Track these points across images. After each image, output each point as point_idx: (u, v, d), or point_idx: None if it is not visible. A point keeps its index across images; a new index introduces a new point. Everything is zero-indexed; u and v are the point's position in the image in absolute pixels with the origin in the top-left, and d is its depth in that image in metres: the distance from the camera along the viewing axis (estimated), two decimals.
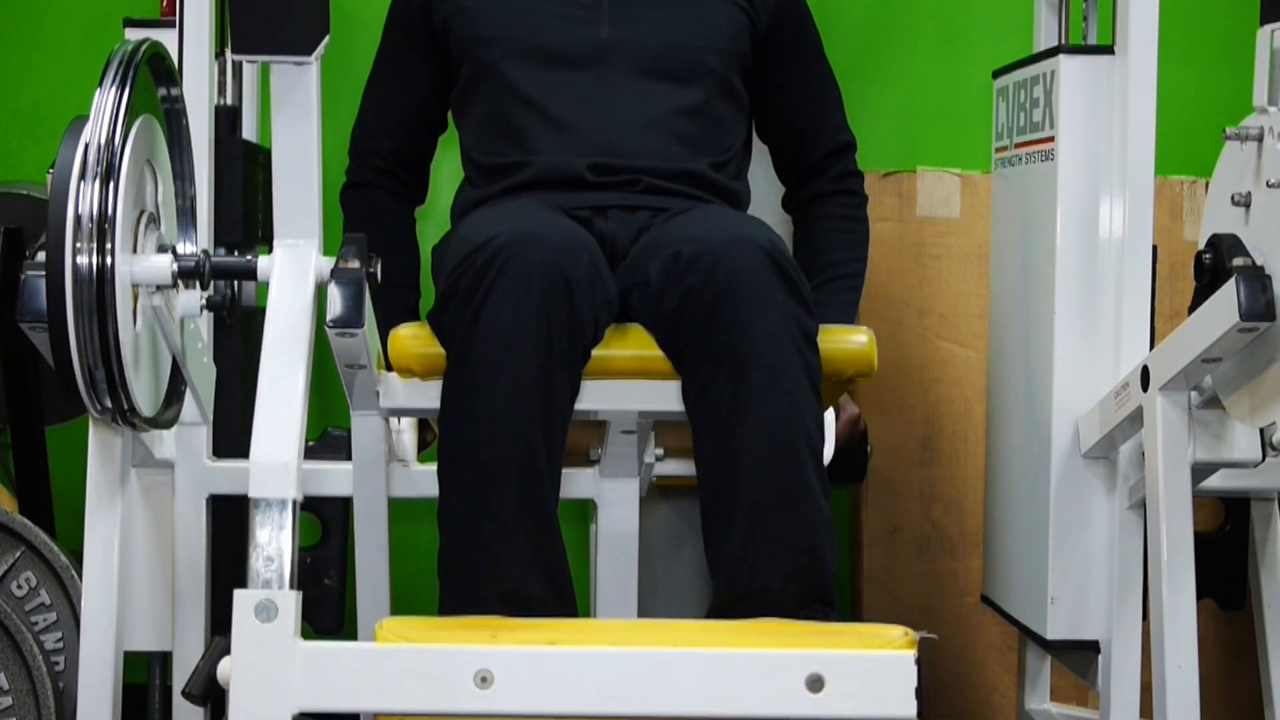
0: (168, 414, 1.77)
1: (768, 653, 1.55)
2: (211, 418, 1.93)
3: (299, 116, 1.68)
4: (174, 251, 1.68)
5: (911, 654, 1.55)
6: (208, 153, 2.02)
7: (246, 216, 2.26)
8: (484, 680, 1.50)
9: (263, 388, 1.61)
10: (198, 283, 1.70)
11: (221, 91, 2.33)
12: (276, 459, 1.56)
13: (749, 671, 1.53)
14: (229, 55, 2.29)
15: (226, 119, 2.26)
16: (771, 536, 1.82)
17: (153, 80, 1.69)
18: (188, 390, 1.80)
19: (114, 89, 1.57)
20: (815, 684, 1.52)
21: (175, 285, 1.66)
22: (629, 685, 1.52)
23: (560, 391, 1.83)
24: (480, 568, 1.81)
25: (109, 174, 1.54)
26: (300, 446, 1.58)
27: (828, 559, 1.84)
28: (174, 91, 1.74)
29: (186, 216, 1.80)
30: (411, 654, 1.53)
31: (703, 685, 1.53)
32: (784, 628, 1.72)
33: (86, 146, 1.55)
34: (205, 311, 1.75)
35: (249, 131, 2.44)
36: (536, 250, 1.83)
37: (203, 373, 1.83)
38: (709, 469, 1.85)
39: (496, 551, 1.81)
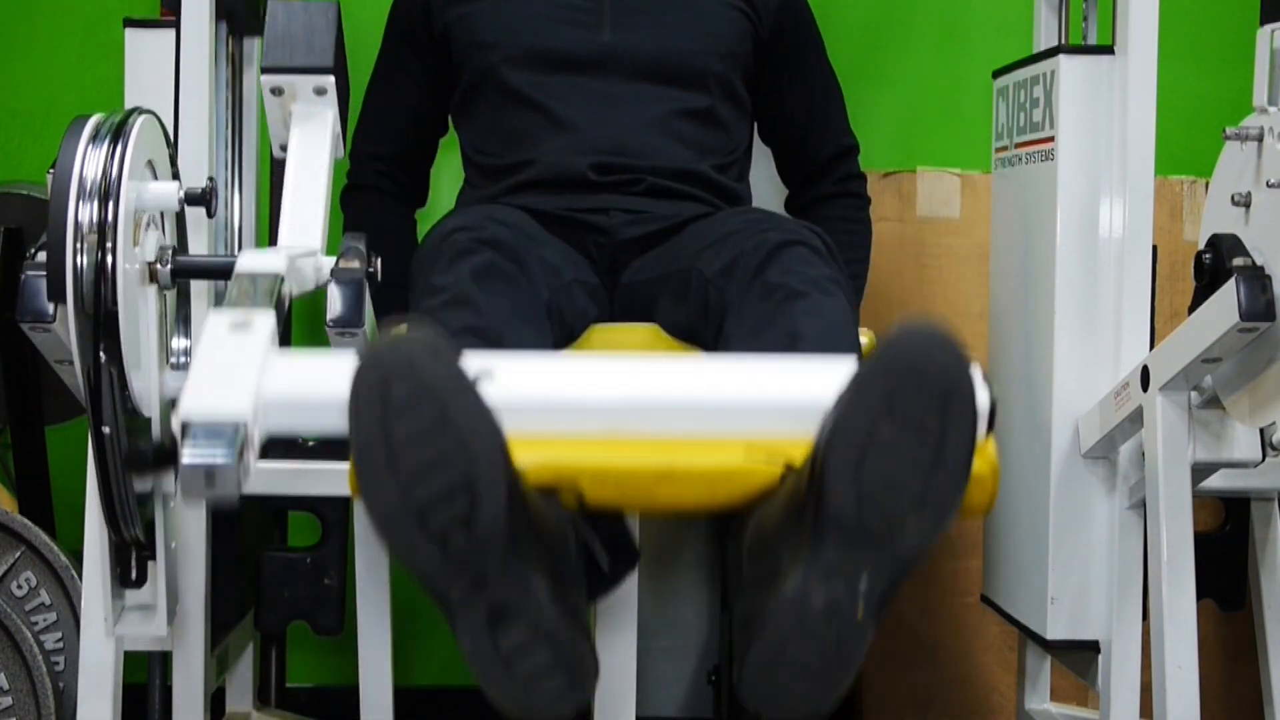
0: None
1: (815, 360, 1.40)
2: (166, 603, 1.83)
3: (315, 136, 1.69)
4: (174, 253, 1.68)
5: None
6: (208, 157, 2.02)
7: None
8: (487, 374, 1.34)
9: (288, 189, 1.62)
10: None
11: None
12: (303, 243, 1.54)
13: (794, 370, 1.38)
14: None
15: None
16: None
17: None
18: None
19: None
20: None
21: (173, 263, 1.64)
22: (642, 374, 1.37)
23: (526, 330, 1.78)
24: None
25: (109, 174, 1.53)
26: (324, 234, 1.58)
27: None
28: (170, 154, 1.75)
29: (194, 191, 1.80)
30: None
31: (723, 375, 1.37)
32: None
33: (87, 146, 1.55)
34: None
35: (250, 140, 2.43)
36: (464, 224, 1.84)
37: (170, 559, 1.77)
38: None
39: None
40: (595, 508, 1.42)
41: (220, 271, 1.74)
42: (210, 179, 1.71)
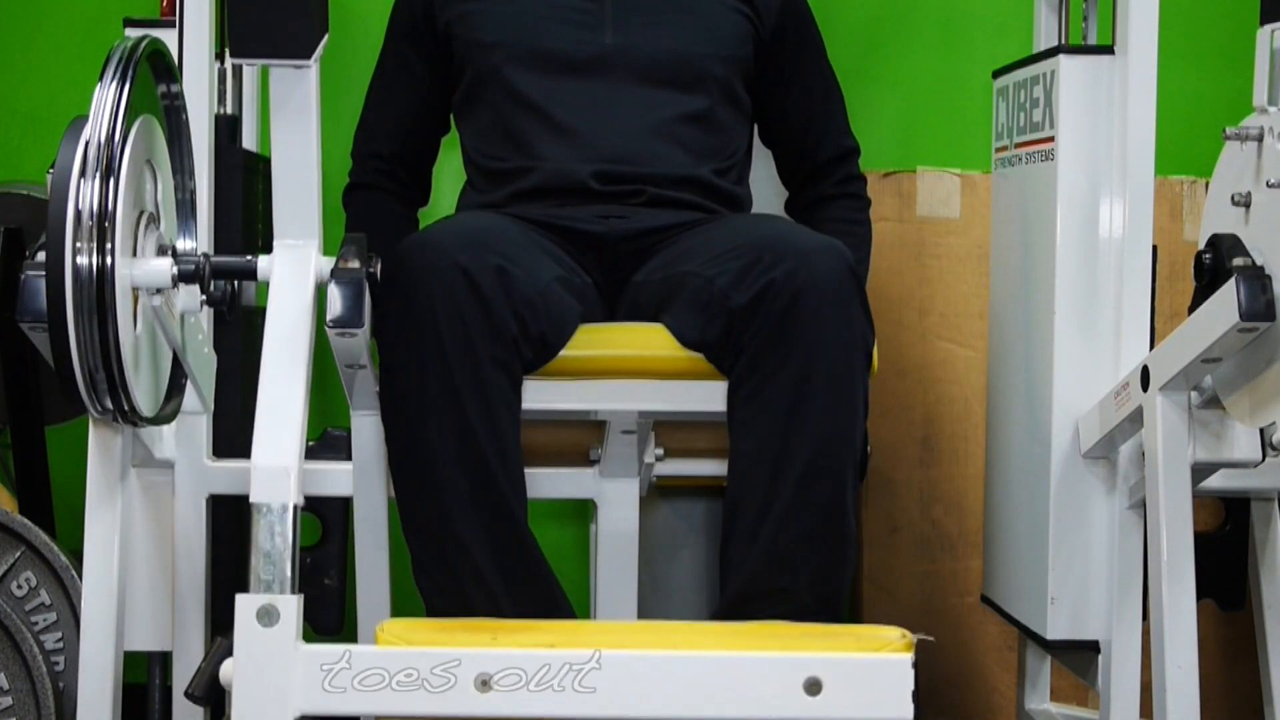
0: (168, 408, 1.77)
1: (766, 656, 1.57)
2: (213, 408, 1.94)
3: (299, 119, 1.69)
4: (174, 252, 1.68)
5: (909, 657, 1.57)
6: (208, 158, 2.02)
7: (246, 225, 2.26)
8: (484, 684, 1.53)
9: (263, 390, 1.62)
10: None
11: (221, 100, 2.33)
12: (277, 463, 1.57)
13: (748, 675, 1.56)
14: (229, 61, 2.29)
15: (226, 128, 2.27)
16: (802, 547, 1.84)
17: (153, 77, 1.69)
18: (187, 383, 1.81)
19: (114, 85, 1.58)
20: (813, 688, 1.55)
21: (175, 287, 1.66)
22: (627, 688, 1.55)
23: (492, 388, 1.83)
24: (457, 581, 1.84)
25: (109, 174, 1.53)
26: (301, 450, 1.60)
27: (845, 579, 1.88)
28: (174, 88, 1.74)
29: (186, 210, 1.80)
30: (411, 657, 1.55)
31: (702, 689, 1.55)
32: (785, 630, 1.73)
33: (86, 146, 1.55)
34: (205, 308, 1.75)
35: (249, 139, 2.44)
36: (428, 254, 1.84)
37: (204, 364, 1.84)
38: (750, 464, 1.85)
39: (465, 576, 1.84)
40: None
41: (220, 271, 1.74)
42: (205, 255, 1.71)
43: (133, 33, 2.01)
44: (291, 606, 1.54)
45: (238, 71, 2.41)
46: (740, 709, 1.55)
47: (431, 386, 1.81)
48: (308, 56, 1.64)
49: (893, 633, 1.64)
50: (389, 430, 1.87)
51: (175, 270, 1.64)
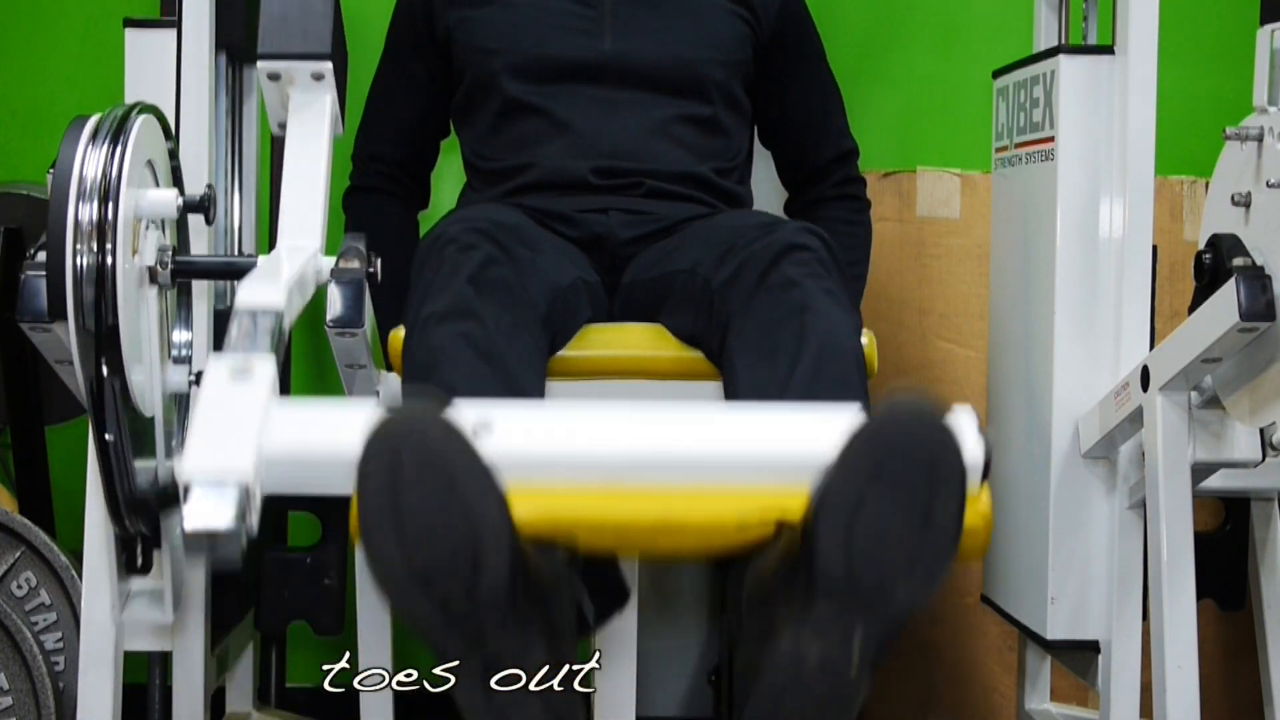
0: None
1: (812, 410, 1.40)
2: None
3: (313, 126, 1.69)
4: (174, 253, 1.68)
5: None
6: (207, 157, 2.02)
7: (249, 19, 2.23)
8: (483, 427, 1.33)
9: (285, 190, 1.61)
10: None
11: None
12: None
13: (795, 420, 1.37)
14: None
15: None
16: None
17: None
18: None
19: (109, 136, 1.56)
20: None
21: (174, 263, 1.64)
22: (639, 426, 1.36)
23: (522, 332, 1.79)
24: None
25: (109, 175, 1.53)
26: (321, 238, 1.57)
27: None
28: (169, 146, 1.75)
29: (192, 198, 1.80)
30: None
31: (728, 428, 1.37)
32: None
33: (87, 146, 1.55)
34: (194, 388, 1.71)
35: (250, 141, 2.43)
36: (461, 225, 1.84)
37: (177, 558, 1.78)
38: (755, 378, 1.77)
39: None
40: (591, 553, 1.45)
41: (220, 272, 1.74)
42: (209, 185, 1.70)
43: (133, 34, 2.02)
44: (270, 366, 1.33)
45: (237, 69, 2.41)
46: (787, 446, 1.36)
47: (452, 314, 1.76)
48: (328, 58, 1.66)
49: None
50: (405, 370, 1.82)
51: (180, 201, 1.63)
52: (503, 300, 1.79)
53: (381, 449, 1.24)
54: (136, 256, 1.60)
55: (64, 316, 1.50)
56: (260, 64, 1.70)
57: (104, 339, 1.51)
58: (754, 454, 1.36)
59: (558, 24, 2.14)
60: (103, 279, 1.51)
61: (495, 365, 1.74)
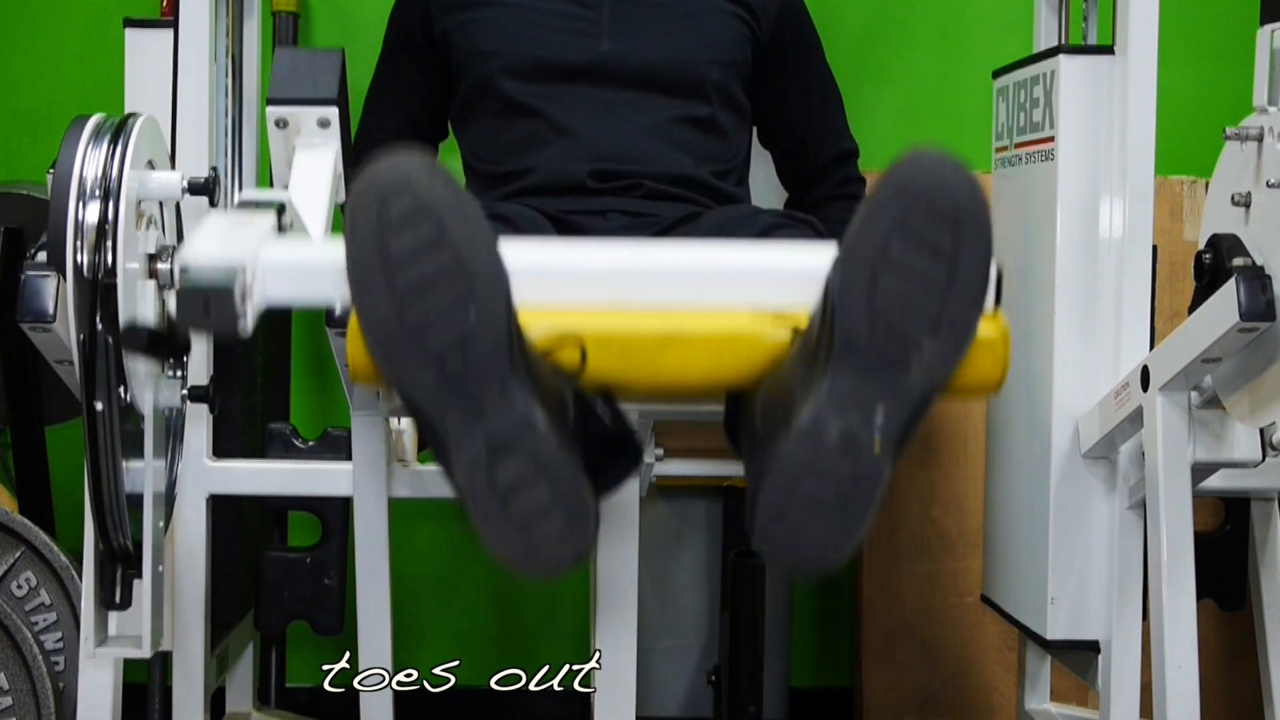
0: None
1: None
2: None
3: (318, 166, 1.69)
4: (174, 253, 1.68)
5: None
6: (207, 157, 2.01)
7: None
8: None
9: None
10: (180, 381, 1.69)
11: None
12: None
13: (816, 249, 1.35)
14: None
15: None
16: None
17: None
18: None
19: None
20: None
21: (184, 196, 1.64)
22: (644, 253, 1.37)
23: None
24: None
25: (110, 174, 1.53)
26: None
27: None
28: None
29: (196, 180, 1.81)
30: None
31: (727, 258, 1.37)
32: None
33: (87, 146, 1.55)
34: (187, 403, 1.73)
35: (249, 141, 2.43)
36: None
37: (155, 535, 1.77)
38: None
39: None
40: (598, 386, 1.38)
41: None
42: (213, 169, 1.71)
43: (133, 34, 2.02)
44: (269, 218, 1.39)
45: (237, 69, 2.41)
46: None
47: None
48: (334, 104, 1.67)
49: None
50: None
51: (185, 183, 1.63)
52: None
53: (368, 197, 1.21)
54: (138, 249, 1.61)
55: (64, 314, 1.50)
56: (269, 109, 1.70)
57: (101, 300, 1.51)
58: (764, 268, 1.32)
59: (556, 26, 2.14)
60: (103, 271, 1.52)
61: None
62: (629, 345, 1.33)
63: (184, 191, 1.62)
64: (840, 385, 1.23)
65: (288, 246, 1.35)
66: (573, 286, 1.32)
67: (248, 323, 1.23)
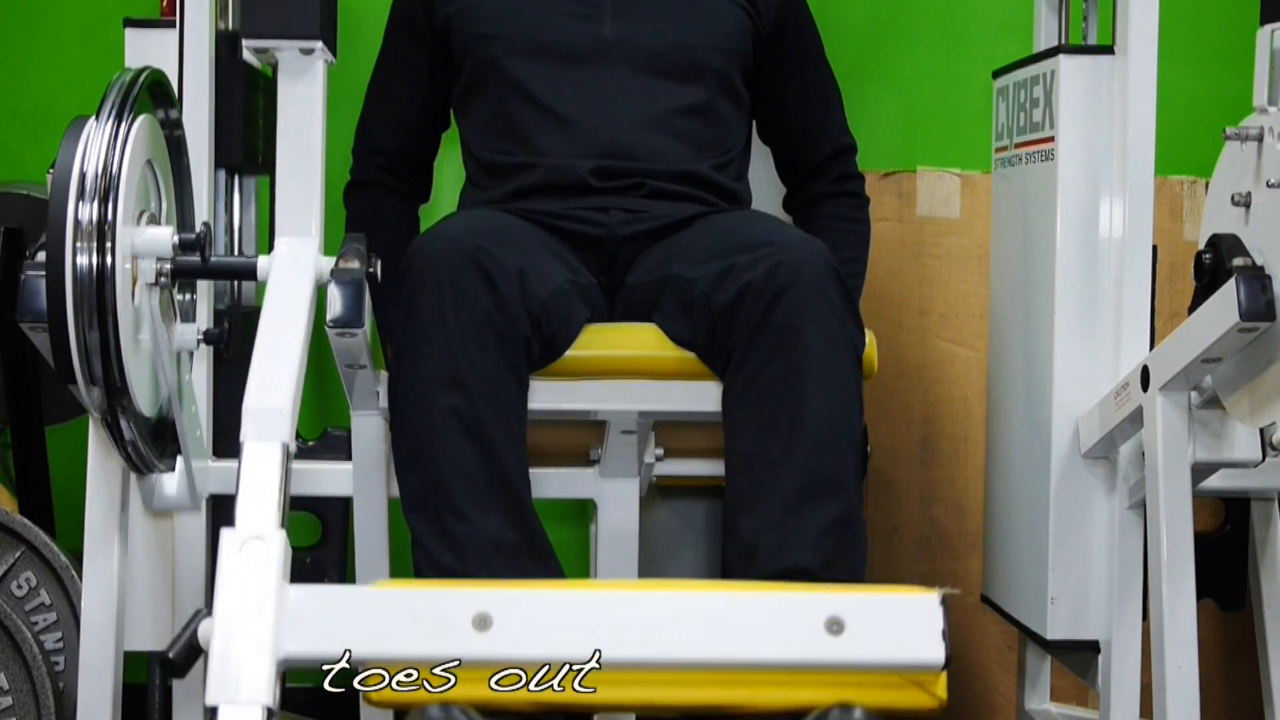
0: (165, 458, 1.77)
1: (786, 594, 1.44)
2: (193, 467, 1.87)
3: (303, 118, 1.68)
4: (173, 254, 1.68)
5: (936, 596, 1.41)
6: (208, 158, 2.01)
7: (246, 140, 2.23)
8: (483, 622, 1.38)
9: (259, 346, 1.59)
10: (194, 318, 1.70)
11: (223, 15, 2.30)
12: (270, 404, 1.52)
13: (765, 613, 1.41)
14: None
15: (227, 43, 2.25)
16: (816, 521, 1.82)
17: (152, 105, 1.69)
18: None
19: (116, 98, 1.57)
20: (835, 626, 1.40)
21: (174, 263, 1.65)
22: (637, 627, 1.39)
23: (503, 386, 1.84)
24: (463, 570, 1.83)
25: (109, 173, 1.53)
26: (296, 394, 1.55)
27: (863, 555, 1.87)
28: (173, 115, 1.74)
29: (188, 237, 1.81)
30: (406, 597, 1.41)
31: (716, 628, 1.40)
32: (801, 585, 1.62)
33: (87, 145, 1.55)
34: (201, 344, 1.74)
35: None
36: (446, 248, 1.85)
37: (190, 420, 1.80)
38: (753, 452, 1.85)
39: (470, 557, 1.83)
40: None
41: (220, 271, 1.74)
42: (205, 224, 1.70)
43: (133, 34, 2.02)
44: (279, 542, 1.41)
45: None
46: (758, 649, 1.40)
47: (442, 381, 1.81)
48: (316, 36, 1.63)
49: (918, 588, 1.50)
50: (396, 424, 1.87)
51: (176, 239, 1.64)
52: (484, 343, 1.82)
53: None
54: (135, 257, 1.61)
55: (63, 316, 1.50)
56: (245, 42, 1.67)
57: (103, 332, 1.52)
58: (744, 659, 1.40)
59: (558, 10, 2.14)
60: (102, 278, 1.52)
61: (483, 448, 1.81)
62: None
63: (174, 249, 1.63)
64: None
65: (306, 624, 1.40)
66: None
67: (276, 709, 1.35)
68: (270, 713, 1.32)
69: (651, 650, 1.39)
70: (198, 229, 1.67)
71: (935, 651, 1.37)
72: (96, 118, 1.55)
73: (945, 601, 1.40)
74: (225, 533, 1.41)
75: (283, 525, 1.44)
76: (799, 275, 1.85)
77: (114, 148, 1.54)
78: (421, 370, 1.83)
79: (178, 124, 1.75)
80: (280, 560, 1.40)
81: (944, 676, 1.39)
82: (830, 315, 1.85)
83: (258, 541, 1.40)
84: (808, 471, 1.82)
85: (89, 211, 1.52)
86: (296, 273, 1.66)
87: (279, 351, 1.57)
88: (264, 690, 1.34)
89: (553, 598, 1.41)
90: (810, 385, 1.83)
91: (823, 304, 1.85)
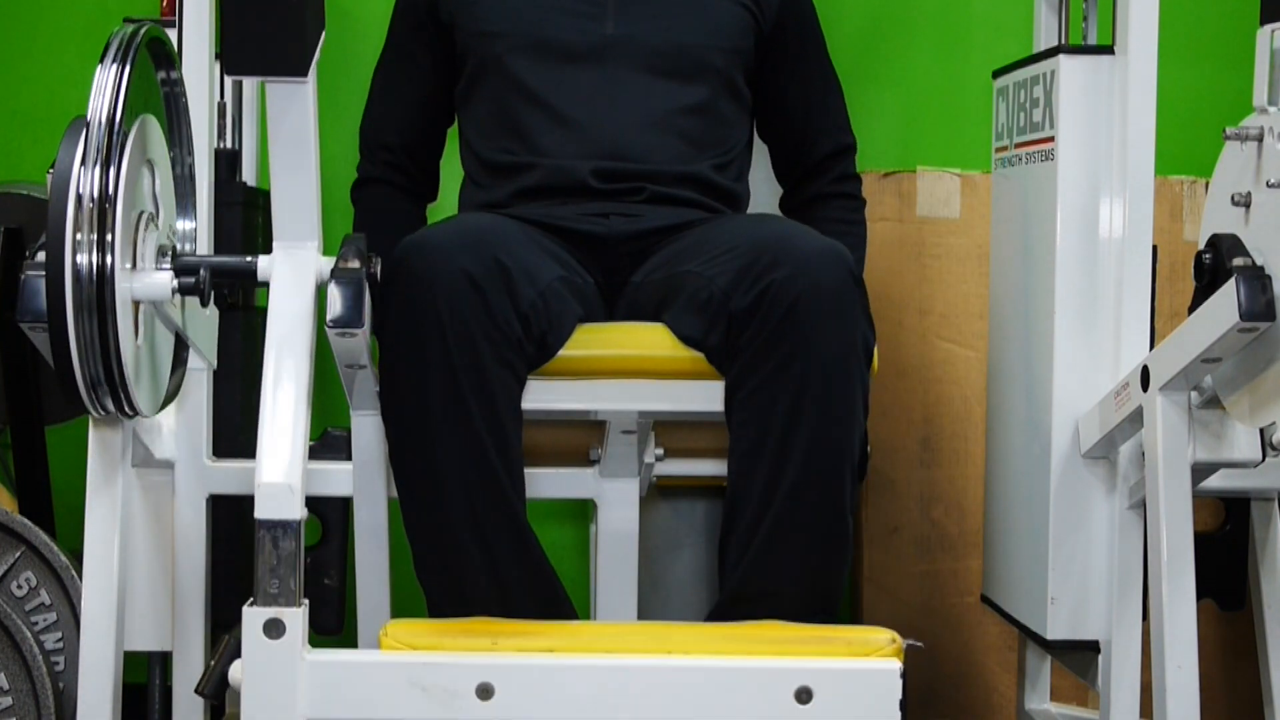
0: (171, 386, 1.78)
1: (758, 665, 1.64)
2: (215, 364, 1.98)
3: (297, 127, 1.68)
4: (173, 254, 1.68)
5: (897, 666, 1.63)
6: (209, 158, 2.01)
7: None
8: (485, 692, 1.60)
9: (265, 399, 1.62)
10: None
11: (221, 134, 2.33)
12: (280, 480, 1.59)
13: (739, 684, 1.63)
14: (228, 93, 2.30)
15: (226, 162, 2.27)
16: (797, 548, 1.86)
17: (152, 65, 1.69)
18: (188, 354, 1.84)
19: (114, 68, 1.58)
20: (804, 696, 1.62)
21: (175, 297, 1.67)
22: (624, 696, 1.62)
23: (497, 390, 1.84)
24: (459, 579, 1.84)
25: (108, 174, 1.53)
26: (303, 462, 1.61)
27: (841, 578, 1.90)
28: (173, 75, 1.75)
29: (185, 185, 1.80)
30: (416, 665, 1.62)
31: (696, 696, 1.63)
32: (778, 632, 1.75)
33: (86, 144, 1.55)
34: (176, 295, 1.72)
35: (249, 174, 2.43)
36: (429, 256, 1.84)
37: (204, 326, 1.85)
38: (747, 468, 1.86)
39: (466, 574, 1.84)
40: None
41: (220, 272, 1.74)
42: (205, 268, 1.70)
43: None
44: (298, 619, 1.58)
45: (238, 101, 2.40)
46: (734, 717, 1.63)
47: (435, 389, 1.81)
48: (303, 74, 1.63)
49: (883, 636, 1.69)
50: (391, 432, 1.87)
51: (176, 284, 1.65)
52: (476, 351, 1.81)
53: None
54: (137, 250, 1.61)
55: (63, 316, 1.51)
56: (229, 76, 1.69)
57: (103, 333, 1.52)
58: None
59: (561, 8, 2.14)
60: (103, 278, 1.52)
61: (488, 480, 1.83)
62: None
63: (174, 292, 1.65)
64: None
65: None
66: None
67: None
68: None
69: (638, 717, 1.63)
70: (197, 264, 1.68)
71: (891, 718, 1.61)
72: (101, 63, 1.55)
73: (905, 672, 1.62)
74: (248, 612, 1.58)
75: (299, 600, 1.60)
76: (821, 283, 1.84)
77: (113, 148, 1.54)
78: (418, 389, 1.83)
79: (178, 83, 1.75)
80: (300, 635, 1.59)
81: None
82: (846, 326, 1.85)
83: (277, 621, 1.58)
84: (799, 498, 1.84)
85: (89, 211, 1.52)
86: (297, 291, 1.70)
87: (285, 416, 1.63)
88: None
89: (547, 668, 1.63)
90: (818, 401, 1.83)
91: (841, 316, 1.85)
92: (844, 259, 1.87)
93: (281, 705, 1.58)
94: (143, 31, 1.63)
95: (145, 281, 1.63)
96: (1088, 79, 2.07)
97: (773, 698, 1.62)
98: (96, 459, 1.84)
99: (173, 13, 2.02)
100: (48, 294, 1.53)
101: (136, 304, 1.63)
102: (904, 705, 1.61)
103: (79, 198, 1.53)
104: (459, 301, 1.81)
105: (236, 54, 1.61)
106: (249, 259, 1.73)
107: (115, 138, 1.55)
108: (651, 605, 2.61)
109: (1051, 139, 2.10)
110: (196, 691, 1.73)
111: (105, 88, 1.58)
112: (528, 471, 1.89)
